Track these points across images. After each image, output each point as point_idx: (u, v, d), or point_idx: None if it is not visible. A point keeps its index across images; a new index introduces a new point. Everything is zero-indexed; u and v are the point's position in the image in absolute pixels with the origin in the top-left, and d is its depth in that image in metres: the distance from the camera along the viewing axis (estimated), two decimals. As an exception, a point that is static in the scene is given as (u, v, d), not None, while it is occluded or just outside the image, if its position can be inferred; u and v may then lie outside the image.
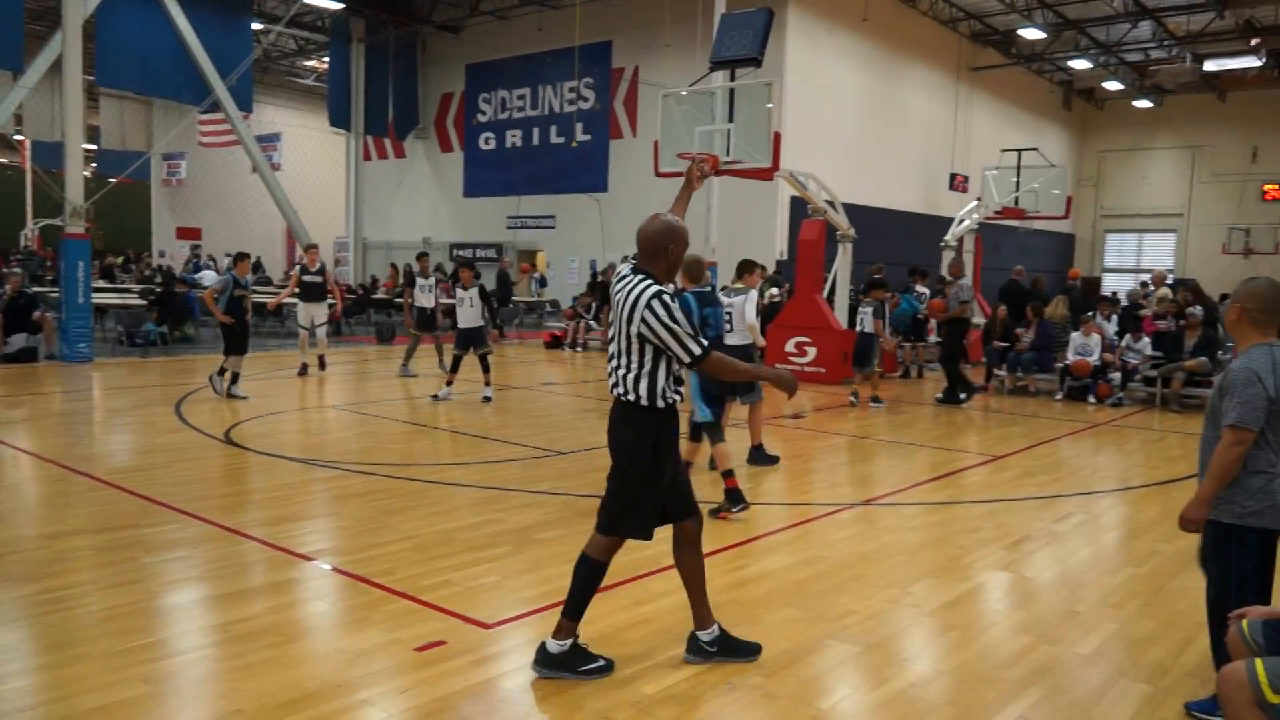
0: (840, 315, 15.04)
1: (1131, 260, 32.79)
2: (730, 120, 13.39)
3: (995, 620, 4.85)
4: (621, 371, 3.87)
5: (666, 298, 3.77)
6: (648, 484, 3.90)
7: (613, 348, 3.94)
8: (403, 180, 29.22)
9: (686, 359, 3.79)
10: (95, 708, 3.54)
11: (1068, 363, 13.29)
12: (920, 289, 15.98)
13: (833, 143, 20.94)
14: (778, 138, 12.94)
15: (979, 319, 16.16)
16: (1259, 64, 25.78)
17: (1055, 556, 5.96)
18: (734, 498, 6.58)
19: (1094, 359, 13.08)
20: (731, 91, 13.52)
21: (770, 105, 13.16)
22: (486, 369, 11.81)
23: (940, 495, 7.60)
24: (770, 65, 15.31)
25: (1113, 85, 29.53)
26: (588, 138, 24.11)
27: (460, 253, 26.63)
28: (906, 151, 24.16)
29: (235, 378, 11.16)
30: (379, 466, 7.83)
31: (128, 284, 22.69)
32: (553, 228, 25.50)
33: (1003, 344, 14.31)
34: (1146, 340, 13.26)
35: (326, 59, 29.45)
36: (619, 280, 3.96)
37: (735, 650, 4.12)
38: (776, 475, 8.27)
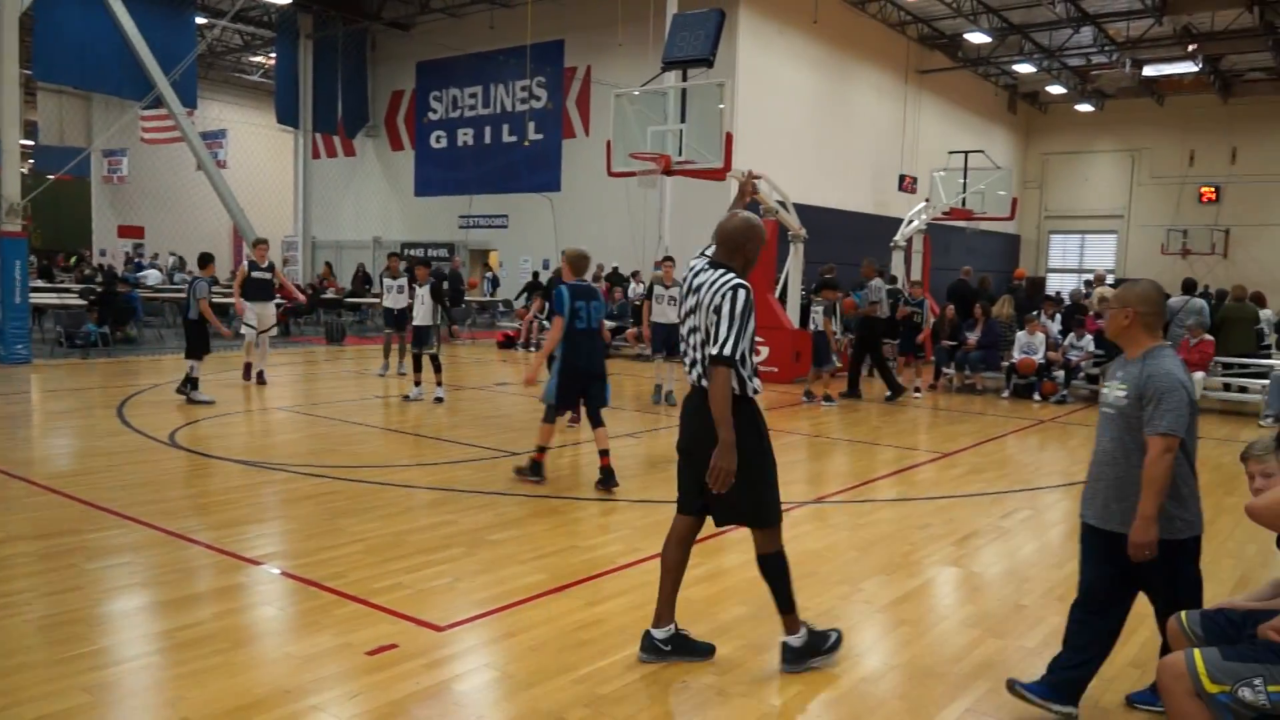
0: (792, 315, 15.16)
1: (1075, 260, 33.50)
2: (682, 120, 13.43)
3: (944, 615, 4.93)
4: (709, 364, 3.90)
5: (747, 292, 3.89)
6: (767, 466, 4.07)
7: (693, 340, 4.01)
8: (352, 179, 28.87)
9: (713, 350, 3.81)
10: (38, 718, 3.45)
11: (1013, 361, 13.56)
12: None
13: (784, 143, 21.10)
14: (729, 138, 13.01)
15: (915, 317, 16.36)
16: (1195, 69, 26.52)
17: (1002, 551, 6.07)
18: (535, 469, 7.38)
19: (1039, 357, 13.35)
20: (684, 92, 13.56)
21: (722, 106, 13.22)
22: (438, 369, 11.77)
23: (891, 492, 7.70)
24: (722, 66, 15.39)
25: (1056, 89, 30.16)
26: (540, 137, 24.03)
27: (411, 252, 26.37)
28: (856, 153, 24.44)
29: (195, 382, 10.96)
30: (329, 468, 7.73)
31: (67, 284, 22.12)
32: (505, 227, 25.38)
33: (951, 343, 14.55)
34: (1089, 338, 13.56)
35: (273, 55, 28.98)
36: (694, 274, 4.05)
37: (690, 650, 4.14)
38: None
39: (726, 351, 3.79)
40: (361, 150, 28.64)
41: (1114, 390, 3.57)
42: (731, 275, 3.92)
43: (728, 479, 3.78)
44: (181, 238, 30.23)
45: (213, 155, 25.28)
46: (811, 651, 4.09)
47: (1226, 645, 3.01)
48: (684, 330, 4.10)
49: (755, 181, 4.86)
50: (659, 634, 4.12)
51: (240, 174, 28.49)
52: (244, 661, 4.01)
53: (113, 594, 4.85)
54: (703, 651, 4.16)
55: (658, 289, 11.80)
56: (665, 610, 4.15)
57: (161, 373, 13.43)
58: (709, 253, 4.14)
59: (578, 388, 7.41)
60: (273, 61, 29.50)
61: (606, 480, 7.29)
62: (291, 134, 28.75)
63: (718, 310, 3.83)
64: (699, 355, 3.99)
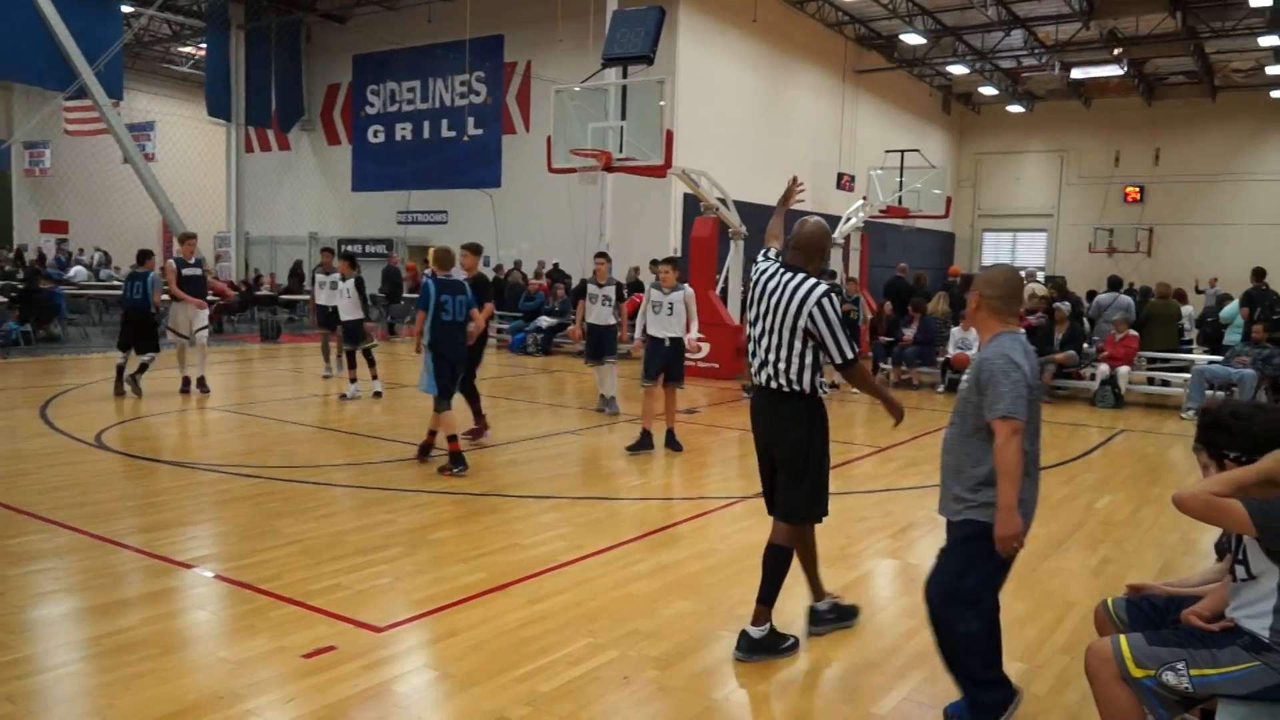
0: (733, 312, 15.26)
1: (1007, 258, 34.26)
2: (623, 117, 13.43)
3: (882, 606, 5.01)
4: (781, 365, 4.07)
5: (835, 298, 4.06)
6: (824, 467, 4.26)
7: (766, 342, 4.09)
8: (287, 173, 28.30)
9: (839, 359, 4.05)
10: (-47, 731, 3.33)
11: (949, 356, 13.82)
12: None
13: (724, 141, 21.23)
14: (670, 135, 13.04)
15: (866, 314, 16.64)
16: (1121, 73, 27.32)
17: (938, 543, 6.15)
18: (456, 459, 7.53)
19: (973, 352, 13.62)
20: (624, 89, 13.55)
21: (662, 103, 13.26)
22: (372, 363, 11.65)
23: (829, 486, 7.78)
24: (662, 63, 15.42)
25: (988, 90, 30.82)
26: (480, 132, 23.82)
27: (349, 248, 25.97)
28: (795, 151, 24.67)
29: (142, 368, 11.14)
30: (263, 469, 7.57)
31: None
32: (445, 223, 25.10)
33: (887, 339, 14.78)
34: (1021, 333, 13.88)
35: (203, 45, 28.25)
36: (768, 276, 4.13)
37: (845, 615, 4.55)
38: (670, 469, 8.35)
39: (849, 355, 4.05)
40: (296, 144, 28.08)
41: (963, 378, 3.58)
42: (818, 282, 4.07)
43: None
44: (108, 233, 29.30)
45: (140, 148, 24.58)
46: (765, 648, 4.17)
47: (1151, 631, 3.11)
48: (754, 333, 4.18)
49: (798, 189, 4.97)
50: (821, 606, 4.54)
51: (169, 168, 27.71)
52: (175, 667, 3.92)
53: (37, 600, 4.69)
54: (852, 615, 4.57)
55: (590, 288, 10.96)
56: (818, 588, 4.52)
57: (87, 372, 13.04)
58: (772, 255, 4.31)
59: (450, 375, 7.77)
60: (203, 52, 28.74)
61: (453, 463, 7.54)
62: (223, 127, 28.04)
63: (819, 329, 4.01)
64: (771, 358, 4.10)
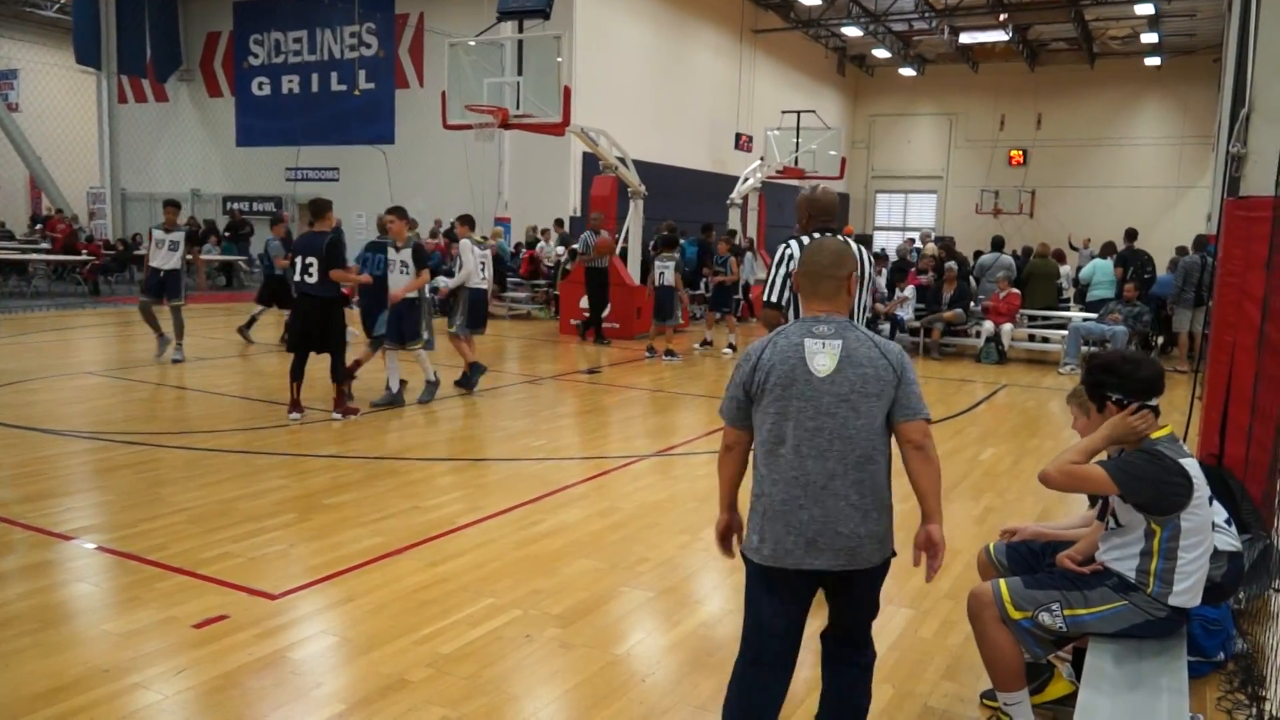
0: (633, 271, 15.28)
1: (899, 219, 35.18)
2: (520, 73, 13.22)
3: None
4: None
5: (784, 247, 4.36)
6: None
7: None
8: (166, 126, 26.91)
9: (769, 298, 4.30)
10: None
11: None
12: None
13: (623, 100, 21.09)
14: (568, 92, 12.90)
15: (760, 275, 16.88)
16: (1006, 38, 28.15)
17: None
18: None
19: (869, 313, 13.96)
20: (520, 43, 13.33)
21: (560, 59, 13.08)
22: (180, 325, 10.90)
23: (728, 443, 7.92)
24: (559, 19, 15.19)
25: (881, 53, 31.38)
26: (371, 86, 23.10)
27: (235, 205, 24.97)
28: (694, 110, 24.71)
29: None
30: (147, 435, 7.28)
31: None
32: (336, 180, 24.33)
33: None
34: (911, 289, 14.31)
35: (71, -12, 26.52)
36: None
37: None
38: (572, 430, 8.37)
39: (773, 299, 4.28)
40: (175, 96, 26.71)
41: None
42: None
43: None
44: (-31, 188, 27.46)
45: (3, 97, 23.04)
46: None
47: (1029, 575, 3.28)
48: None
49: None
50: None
51: (36, 120, 26.06)
52: (57, 642, 3.76)
53: (-101, 578, 4.43)
54: None
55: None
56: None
57: (-50, 336, 12.26)
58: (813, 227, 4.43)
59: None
60: (70, -4, 26.99)
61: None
62: (94, 76, 26.46)
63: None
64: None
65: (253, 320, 12.84)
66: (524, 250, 19.00)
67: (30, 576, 4.47)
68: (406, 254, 8.62)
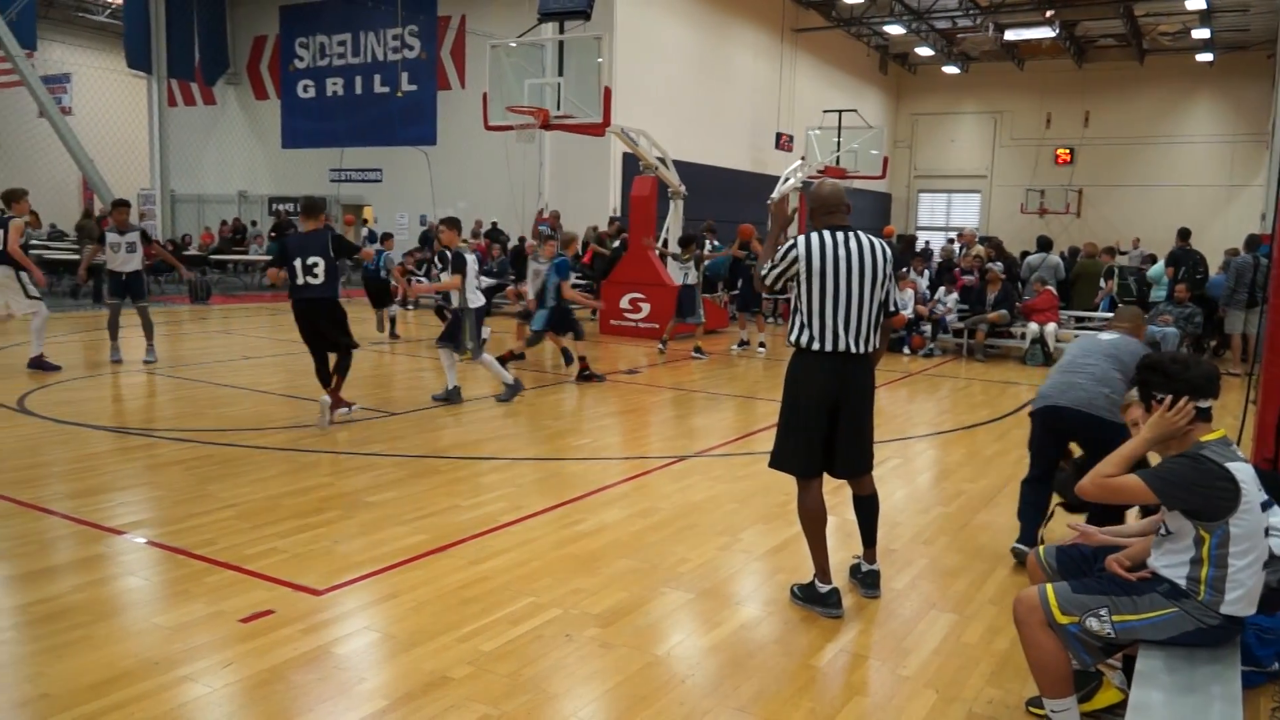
0: (674, 272, 15.26)
1: (942, 219, 34.82)
2: (560, 74, 13.29)
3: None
4: (868, 329, 4.19)
5: (790, 244, 4.27)
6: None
7: (850, 307, 4.13)
8: (214, 129, 27.41)
9: (894, 308, 4.33)
10: (-127, 705, 3.22)
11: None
12: (715, 243, 16.34)
13: (663, 100, 21.09)
14: (608, 93, 12.94)
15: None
16: (1052, 35, 27.73)
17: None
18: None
19: (908, 312, 13.84)
20: (561, 44, 13.39)
21: (600, 60, 13.13)
22: (149, 326, 10.76)
23: (769, 445, 7.88)
24: (599, 20, 15.24)
25: (924, 51, 31.06)
26: (414, 88, 23.32)
27: (281, 206, 25.32)
28: (735, 110, 24.64)
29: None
30: (196, 432, 7.42)
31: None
32: (379, 181, 24.63)
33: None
34: (942, 292, 14.14)
35: (121, -6, 27.10)
36: (835, 245, 4.14)
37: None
38: (612, 429, 8.39)
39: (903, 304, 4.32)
40: (223, 99, 27.20)
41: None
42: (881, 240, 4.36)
43: None
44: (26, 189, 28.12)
45: (57, 101, 23.56)
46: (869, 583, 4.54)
47: (1078, 579, 3.22)
48: (826, 301, 4.16)
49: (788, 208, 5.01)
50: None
51: (88, 122, 26.62)
52: (108, 634, 3.84)
53: (-41, 570, 4.55)
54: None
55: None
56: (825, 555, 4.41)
57: (6, 335, 12.57)
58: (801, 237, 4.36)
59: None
60: (120, 1, 27.57)
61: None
62: (144, 80, 27.02)
63: (893, 273, 4.37)
64: (858, 324, 4.17)
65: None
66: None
67: (83, 570, 4.57)
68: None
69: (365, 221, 24.86)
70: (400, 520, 5.41)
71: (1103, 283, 14.52)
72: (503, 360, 10.16)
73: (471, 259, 8.93)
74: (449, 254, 8.67)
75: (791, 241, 4.24)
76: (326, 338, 7.67)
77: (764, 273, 4.28)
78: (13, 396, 8.54)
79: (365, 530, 5.22)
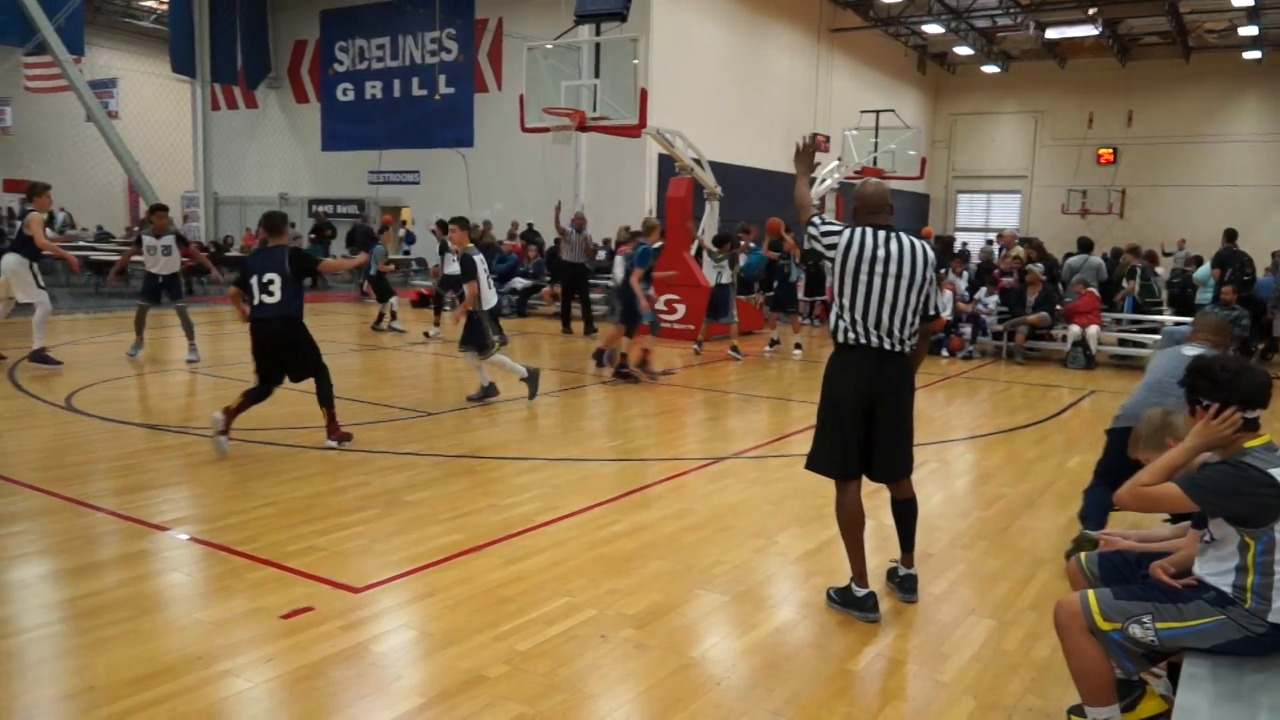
0: (709, 272, 15.23)
1: (981, 220, 34.43)
2: (596, 76, 13.31)
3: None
4: (909, 330, 4.19)
5: None
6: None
7: (888, 306, 4.11)
8: (255, 132, 27.81)
9: (934, 311, 4.32)
10: (-73, 694, 3.31)
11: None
12: (752, 244, 16.27)
13: (699, 101, 21.07)
14: (644, 94, 12.94)
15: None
16: (1095, 33, 27.32)
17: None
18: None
19: (947, 314, 13.71)
20: (597, 46, 13.41)
21: (636, 61, 13.14)
22: (189, 326, 10.90)
23: (804, 447, 7.84)
24: (636, 21, 15.25)
25: (963, 50, 30.75)
26: (451, 91, 23.50)
27: (320, 208, 25.63)
28: (770, 111, 24.55)
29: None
30: (236, 431, 7.50)
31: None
32: (417, 183, 24.84)
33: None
34: (996, 296, 13.97)
35: (166, -1, 27.60)
36: (875, 244, 4.13)
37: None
38: (647, 431, 8.39)
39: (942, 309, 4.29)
40: (264, 102, 27.58)
41: None
42: (923, 241, 4.33)
43: None
44: (72, 193, 28.65)
45: (103, 105, 24.01)
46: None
47: (1120, 585, 3.17)
48: (862, 298, 4.14)
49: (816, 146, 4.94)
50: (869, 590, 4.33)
51: (134, 126, 27.10)
52: (151, 629, 3.91)
53: (10, 563, 4.65)
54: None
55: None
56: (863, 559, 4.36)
57: (57, 333, 12.84)
58: (838, 223, 4.29)
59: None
60: (166, 6, 28.06)
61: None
62: (188, 84, 27.48)
63: (931, 283, 4.30)
64: (893, 322, 4.14)
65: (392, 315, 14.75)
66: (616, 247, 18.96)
67: (127, 565, 4.65)
68: (456, 265, 8.71)
69: (404, 223, 25.10)
70: (436, 519, 5.45)
71: (1124, 283, 14.29)
72: (622, 368, 10.40)
73: (480, 259, 8.76)
74: (460, 261, 8.62)
75: (840, 227, 4.23)
76: (286, 365, 6.99)
77: (807, 233, 4.33)
78: (61, 394, 8.71)
79: (402, 529, 5.27)
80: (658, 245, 10.88)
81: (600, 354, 11.21)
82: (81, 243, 21.89)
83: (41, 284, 10.19)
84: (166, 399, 9.28)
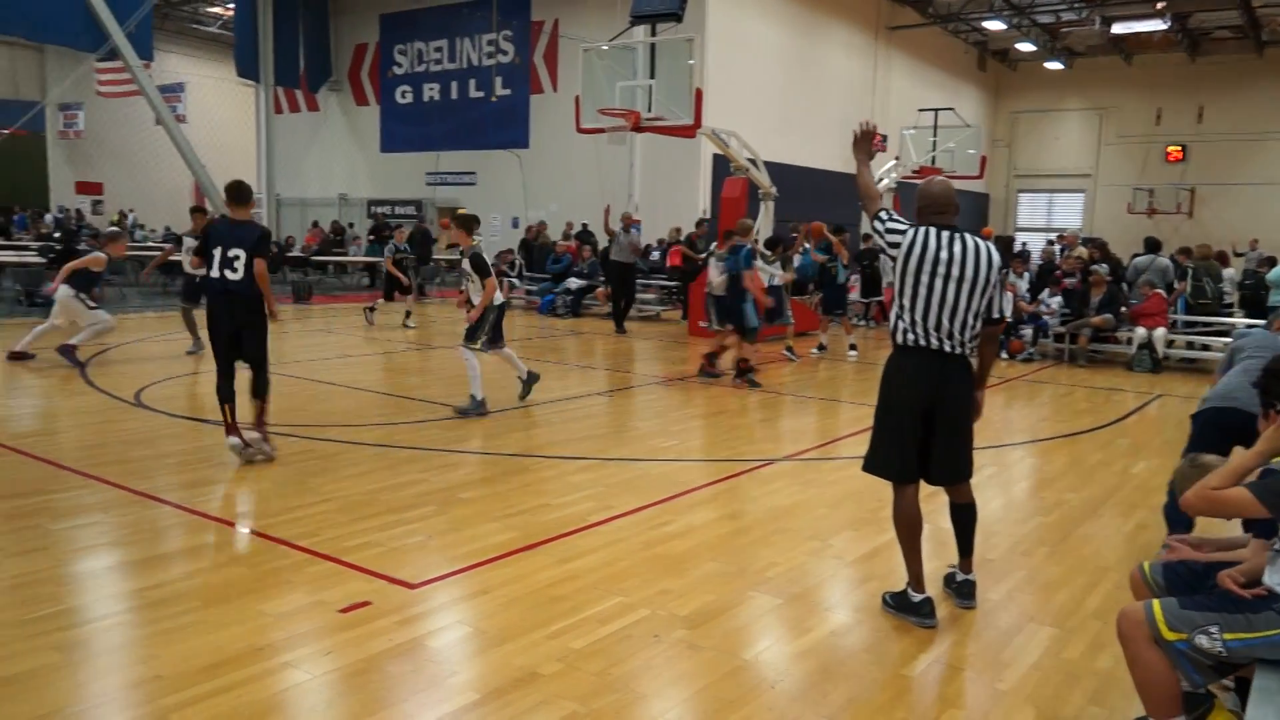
0: (761, 273, 15.14)
1: (1043, 220, 33.74)
2: (652, 76, 13.30)
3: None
4: (969, 334, 4.14)
5: None
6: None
7: (949, 307, 4.07)
8: (317, 134, 28.33)
9: (998, 314, 4.24)
10: (7, 677, 3.42)
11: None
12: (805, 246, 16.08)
13: (754, 100, 20.96)
14: (699, 95, 12.90)
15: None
16: (1164, 27, 26.61)
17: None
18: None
19: (1008, 315, 13.45)
20: (653, 47, 13.41)
21: (692, 62, 13.10)
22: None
23: (859, 449, 7.76)
24: (691, 21, 15.22)
25: (1025, 47, 30.14)
26: (507, 92, 23.68)
27: (379, 209, 26.02)
28: (827, 110, 24.32)
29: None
30: (297, 428, 7.67)
31: (25, 241, 21.63)
32: (474, 184, 25.08)
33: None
34: (1059, 297, 13.69)
35: (231, 5, 28.22)
36: (939, 245, 4.08)
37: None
38: (700, 431, 8.38)
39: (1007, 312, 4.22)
40: (325, 105, 28.08)
41: None
42: (989, 244, 4.24)
43: None
44: (141, 194, 29.58)
45: (172, 109, 24.64)
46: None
47: (1186, 595, 3.09)
48: (921, 298, 4.10)
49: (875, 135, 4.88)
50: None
51: (200, 129, 27.85)
52: (216, 620, 4.00)
53: (80, 554, 4.80)
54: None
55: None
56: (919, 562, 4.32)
57: (125, 331, 13.22)
58: (904, 220, 4.24)
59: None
60: (231, 12, 28.73)
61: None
62: (252, 88, 28.09)
63: (997, 289, 4.24)
64: (953, 324, 4.09)
65: (373, 310, 15.46)
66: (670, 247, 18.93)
67: (193, 557, 4.77)
68: (467, 263, 8.42)
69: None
70: (491, 517, 5.50)
71: (1176, 283, 13.89)
72: (742, 373, 10.39)
73: (486, 254, 8.54)
74: (471, 261, 8.31)
75: (904, 226, 4.19)
76: (241, 344, 6.58)
77: (873, 226, 4.31)
78: (130, 391, 8.97)
79: (457, 526, 5.33)
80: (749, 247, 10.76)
81: (711, 359, 10.95)
82: (150, 244, 22.47)
83: (93, 304, 10.47)
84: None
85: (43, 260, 17.04)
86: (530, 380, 9.04)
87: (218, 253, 6.38)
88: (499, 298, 8.62)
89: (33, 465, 6.31)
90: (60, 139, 31.93)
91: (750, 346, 10.51)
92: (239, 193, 6.66)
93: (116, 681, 3.49)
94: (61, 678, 3.47)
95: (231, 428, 6.56)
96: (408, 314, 15.28)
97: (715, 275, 10.66)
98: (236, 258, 6.37)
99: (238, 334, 6.52)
